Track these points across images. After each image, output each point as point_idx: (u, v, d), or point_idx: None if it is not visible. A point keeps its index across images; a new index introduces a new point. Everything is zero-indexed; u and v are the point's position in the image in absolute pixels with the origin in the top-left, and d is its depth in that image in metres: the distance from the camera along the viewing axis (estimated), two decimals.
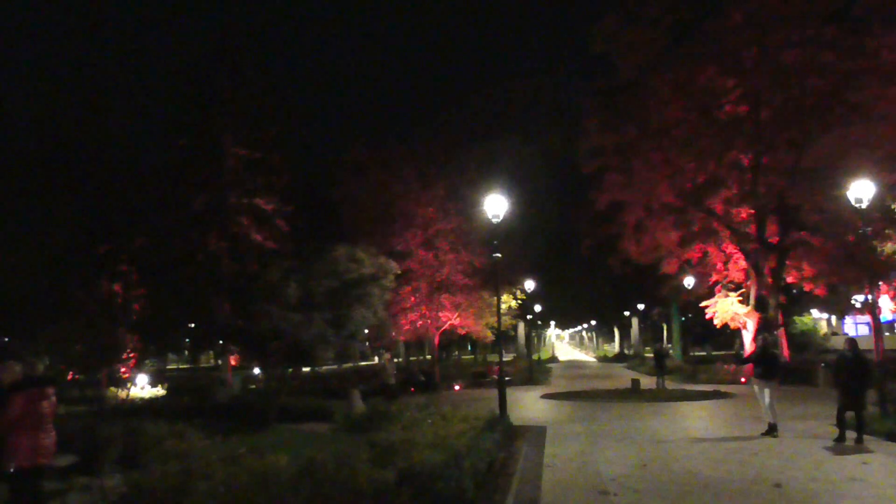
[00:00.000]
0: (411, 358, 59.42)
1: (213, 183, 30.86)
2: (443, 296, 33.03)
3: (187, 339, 46.72)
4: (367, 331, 25.98)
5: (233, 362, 33.79)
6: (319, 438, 14.49)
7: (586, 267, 56.36)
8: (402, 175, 32.78)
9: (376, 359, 68.57)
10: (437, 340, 35.20)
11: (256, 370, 34.85)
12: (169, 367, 73.22)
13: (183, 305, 30.68)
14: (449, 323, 34.01)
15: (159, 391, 28.08)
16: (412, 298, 32.59)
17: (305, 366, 24.19)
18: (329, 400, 20.97)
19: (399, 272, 21.91)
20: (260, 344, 18.04)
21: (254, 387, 29.18)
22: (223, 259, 30.36)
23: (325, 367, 40.03)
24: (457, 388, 31.72)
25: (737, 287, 32.54)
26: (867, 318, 41.30)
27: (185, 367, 67.17)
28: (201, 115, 30.91)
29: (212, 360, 70.67)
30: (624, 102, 31.02)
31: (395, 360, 59.05)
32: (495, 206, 16.79)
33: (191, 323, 35.66)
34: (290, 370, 20.69)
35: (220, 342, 31.04)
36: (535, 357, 59.52)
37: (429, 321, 33.45)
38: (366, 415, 15.94)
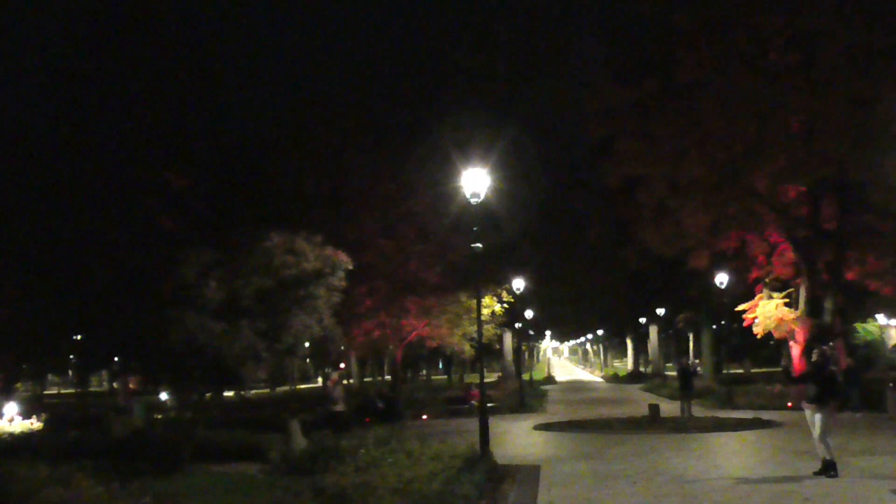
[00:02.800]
0: (366, 378, 59.52)
1: (107, 150, 30.49)
2: (408, 298, 33.07)
3: (72, 357, 46.27)
4: (308, 344, 25.91)
5: (132, 385, 33.57)
6: (249, 484, 14.47)
7: (593, 262, 56.83)
8: (357, 142, 32.74)
9: (320, 380, 68.69)
10: (399, 355, 35.29)
11: (164, 395, 34.62)
12: (48, 392, 72.62)
13: (66, 311, 30.33)
14: (415, 333, 34.11)
15: (35, 424, 27.78)
16: (368, 301, 32.59)
17: (230, 389, 24.06)
18: (261, 434, 20.89)
19: (352, 268, 21.91)
20: (170, 361, 17.96)
21: (161, 417, 29.00)
22: (121, 250, 30.05)
23: (255, 392, 39.89)
24: (424, 417, 31.83)
25: (783, 286, 32.96)
26: None
27: (69, 392, 66.55)
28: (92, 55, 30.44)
29: (105, 384, 70.12)
30: (643, 48, 31.17)
31: (346, 381, 59.19)
32: (475, 182, 16.82)
33: (77, 334, 35.29)
34: (210, 395, 20.61)
35: (117, 359, 30.76)
36: (526, 377, 59.87)
37: (390, 331, 33.52)
38: (309, 452, 15.94)
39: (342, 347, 32.69)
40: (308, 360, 62.93)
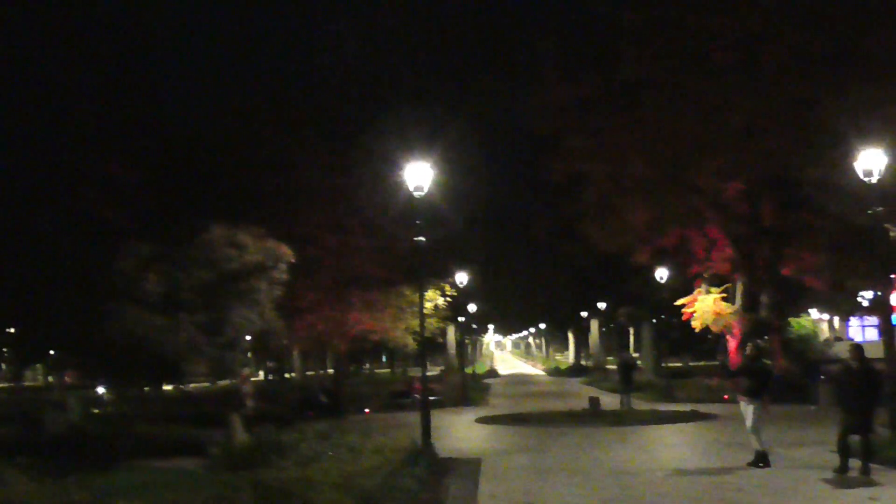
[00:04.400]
0: (309, 372, 59.18)
1: (45, 139, 29.91)
2: (352, 292, 32.96)
3: (6, 349, 45.29)
4: (250, 338, 25.66)
5: (68, 379, 33.00)
6: (189, 479, 14.32)
7: (537, 256, 57.21)
8: (303, 136, 32.48)
9: (262, 374, 68.10)
10: (343, 349, 35.18)
11: (101, 389, 34.10)
12: None
13: None
14: (359, 327, 34.02)
15: None
16: (311, 295, 32.41)
17: (169, 383, 23.82)
18: (201, 428, 20.71)
19: (294, 261, 21.79)
20: (107, 355, 17.70)
21: (98, 411, 28.56)
22: (59, 241, 29.48)
23: (195, 386, 39.44)
24: (366, 411, 31.80)
25: (721, 281, 33.52)
26: (876, 319, 43.21)
27: (2, 386, 65.11)
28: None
29: (40, 378, 68.71)
30: (590, 45, 31.39)
31: (288, 374, 58.75)
32: (418, 175, 16.85)
33: (10, 327, 34.58)
34: (149, 389, 20.37)
35: (53, 353, 30.23)
36: (469, 370, 60.12)
37: (333, 325, 33.38)
38: (250, 447, 15.85)
39: (284, 341, 32.49)
40: (250, 355, 62.32)
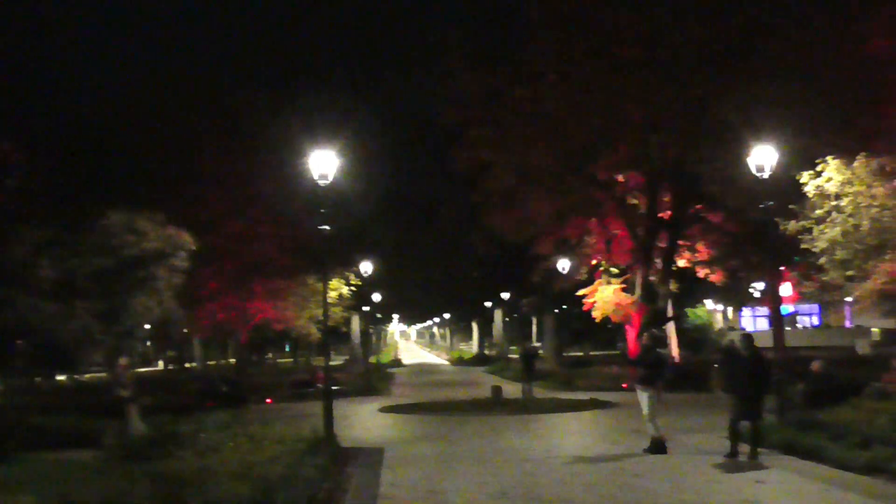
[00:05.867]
0: (210, 362, 58.23)
1: None
2: (254, 280, 32.53)
3: None
4: (149, 326, 25.11)
5: None
6: (83, 470, 13.93)
7: (442, 246, 57.44)
8: (206, 122, 31.83)
9: (161, 364, 66.70)
10: (244, 339, 34.71)
11: None
12: None
13: None
14: (262, 316, 33.62)
15: None
16: (213, 284, 31.86)
17: (63, 372, 23.11)
18: (98, 419, 20.16)
19: (196, 248, 21.41)
20: None
21: None
22: None
23: (90, 375, 38.41)
24: (268, 400, 31.47)
25: (621, 272, 34.24)
26: (767, 309, 44.83)
27: None
28: None
29: None
30: (496, 37, 31.58)
31: (188, 364, 57.67)
32: (323, 163, 16.73)
33: None
34: (41, 379, 19.74)
35: None
36: (373, 360, 60.08)
37: (235, 313, 32.90)
38: (148, 438, 15.55)
39: (185, 330, 31.87)
40: (149, 343, 60.97)
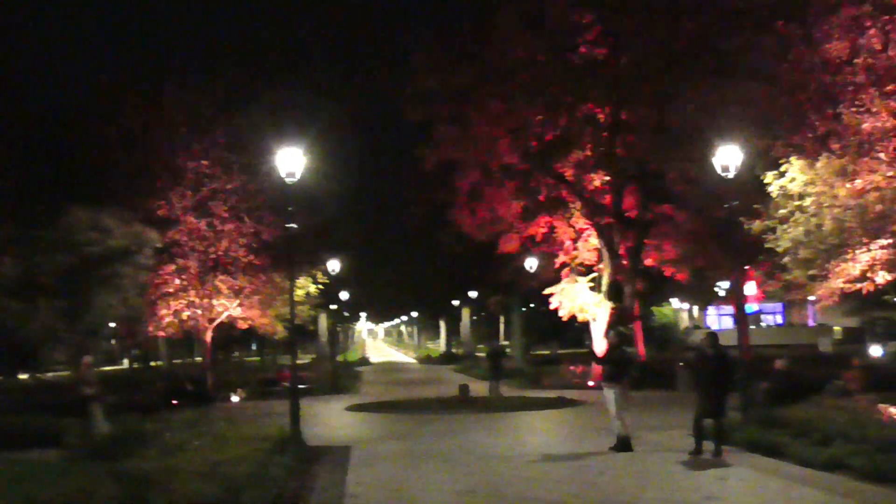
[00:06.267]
0: (176, 361, 57.76)
1: None
2: (219, 278, 32.31)
3: None
4: (114, 324, 24.88)
5: None
6: (46, 470, 13.79)
7: (410, 244, 57.41)
8: (169, 116, 31.54)
9: (126, 362, 65.99)
10: (209, 337, 34.43)
11: None
12: None
13: None
14: (227, 314, 33.38)
15: None
16: (177, 281, 31.59)
17: (26, 371, 22.81)
18: (61, 418, 19.94)
19: (160, 246, 21.25)
20: None
21: None
22: None
23: (54, 374, 37.94)
24: (235, 399, 31.30)
25: (587, 271, 34.42)
26: (732, 308, 45.28)
27: None
28: None
29: None
30: (461, 36, 31.67)
31: (154, 363, 57.13)
32: (290, 161, 16.68)
33: None
34: (2, 377, 19.51)
35: None
36: (341, 358, 59.89)
37: (199, 311, 32.63)
38: (112, 437, 15.39)
39: (150, 328, 31.55)
40: (114, 342, 60.35)
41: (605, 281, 32.98)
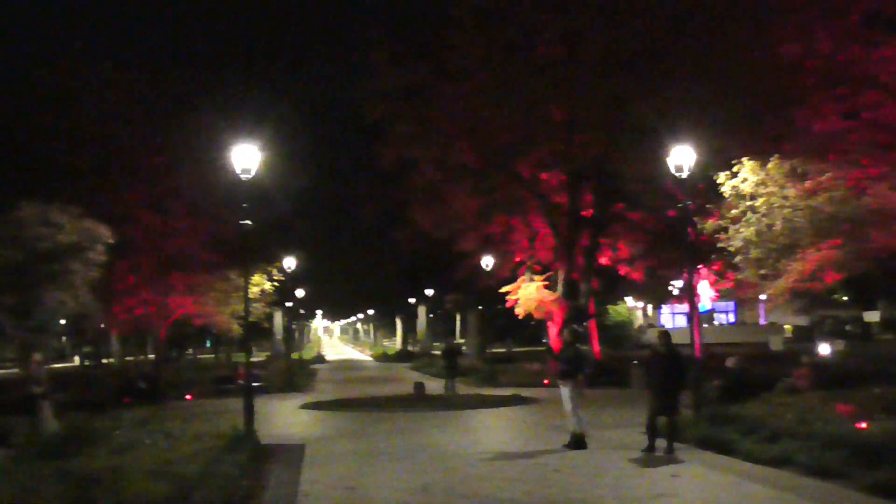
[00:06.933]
0: (128, 358, 57.04)
1: None
2: (174, 275, 31.97)
3: None
4: (64, 321, 24.46)
5: None
6: None
7: (366, 242, 57.34)
8: (123, 113, 31.11)
9: (77, 359, 65.10)
10: (164, 334, 34.09)
11: None
12: None
13: None
14: (181, 311, 33.06)
15: None
16: (130, 278, 31.21)
17: None
18: (8, 416, 19.58)
19: (113, 242, 20.94)
20: None
21: None
22: None
23: (1, 371, 37.35)
24: (188, 397, 30.99)
25: (544, 269, 34.60)
26: (686, 307, 45.79)
27: None
28: None
29: None
30: (419, 33, 31.62)
31: (106, 360, 56.41)
32: (245, 158, 16.54)
33: None
34: None
35: None
36: (296, 356, 59.57)
37: (153, 308, 32.27)
38: (60, 435, 15.14)
39: (101, 325, 31.13)
40: (64, 339, 59.42)
41: (560, 279, 33.16)
